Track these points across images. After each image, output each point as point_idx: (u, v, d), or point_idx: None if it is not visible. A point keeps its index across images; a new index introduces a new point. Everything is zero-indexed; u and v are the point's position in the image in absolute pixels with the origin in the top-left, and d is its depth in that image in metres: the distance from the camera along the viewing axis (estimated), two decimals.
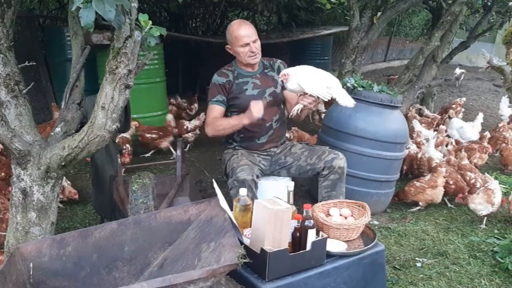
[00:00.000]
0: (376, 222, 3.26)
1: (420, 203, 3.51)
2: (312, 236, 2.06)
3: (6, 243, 2.18)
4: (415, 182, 3.50)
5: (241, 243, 2.02)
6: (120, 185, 2.67)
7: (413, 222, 3.31)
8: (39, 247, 2.04)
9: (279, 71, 2.86)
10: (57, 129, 2.35)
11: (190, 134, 4.49)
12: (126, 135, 4.00)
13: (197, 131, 4.58)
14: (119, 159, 2.77)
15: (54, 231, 2.25)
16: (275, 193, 2.87)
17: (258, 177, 2.69)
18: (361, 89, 3.31)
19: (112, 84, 2.06)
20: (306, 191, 3.67)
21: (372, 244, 2.22)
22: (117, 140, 3.85)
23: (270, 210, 1.96)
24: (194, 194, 2.83)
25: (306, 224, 2.06)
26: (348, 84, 3.31)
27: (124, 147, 3.76)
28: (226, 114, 2.82)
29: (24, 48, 4.78)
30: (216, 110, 2.78)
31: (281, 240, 2.01)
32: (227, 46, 2.83)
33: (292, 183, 2.27)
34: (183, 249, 2.01)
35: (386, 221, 3.33)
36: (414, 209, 3.52)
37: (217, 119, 2.75)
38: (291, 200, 2.23)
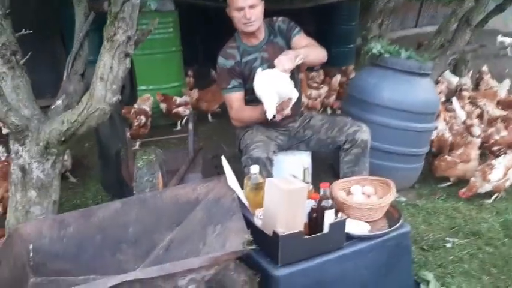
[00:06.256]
0: (403, 199, 3.05)
1: (451, 179, 3.28)
2: (329, 217, 1.88)
3: (7, 223, 2.09)
4: (446, 156, 3.25)
5: (252, 224, 1.87)
6: (130, 161, 2.54)
7: (444, 199, 3.08)
8: (39, 228, 1.93)
9: (281, 33, 2.60)
10: (58, 102, 2.22)
11: (181, 109, 4.23)
12: (146, 106, 3.85)
13: (190, 107, 4.30)
14: (128, 133, 2.63)
15: (57, 210, 2.14)
16: (293, 169, 2.68)
17: (274, 152, 2.50)
18: (388, 55, 3.05)
19: (110, 52, 1.90)
20: (329, 166, 3.46)
21: (397, 225, 2.03)
22: (132, 111, 3.72)
23: (282, 191, 1.78)
24: (207, 170, 2.67)
25: (323, 204, 1.88)
26: (374, 50, 3.05)
27: (137, 118, 3.61)
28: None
29: (38, 19, 4.65)
30: (235, 98, 2.54)
31: (295, 222, 1.83)
32: (227, 9, 2.54)
33: (309, 160, 2.08)
34: (190, 231, 1.86)
35: (414, 198, 3.11)
36: (444, 185, 3.29)
37: (241, 109, 2.53)
38: (307, 178, 2.05)
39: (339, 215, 1.93)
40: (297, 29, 2.58)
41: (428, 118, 3.09)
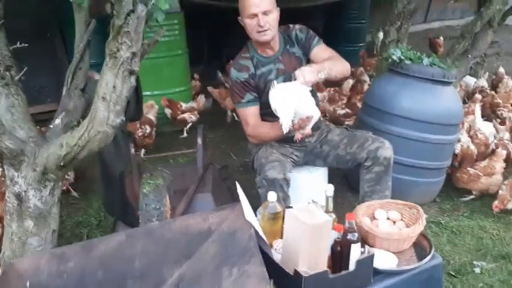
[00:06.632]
0: (424, 216, 2.86)
1: (473, 192, 3.09)
2: (356, 251, 1.70)
3: (2, 256, 1.92)
4: (468, 169, 3.06)
5: (270, 259, 1.70)
6: (135, 180, 2.36)
7: (468, 215, 2.90)
8: (37, 263, 1.76)
9: (298, 43, 2.41)
10: (57, 121, 2.03)
11: (187, 115, 4.01)
12: (150, 115, 3.67)
13: (196, 114, 4.08)
14: (132, 149, 2.45)
15: (56, 239, 1.97)
16: (309, 187, 2.53)
17: (290, 170, 2.32)
18: (408, 61, 2.86)
19: (113, 70, 1.71)
20: (343, 176, 3.28)
21: (429, 258, 1.85)
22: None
23: (305, 225, 1.60)
24: (217, 188, 2.50)
25: (348, 237, 1.70)
26: (394, 57, 2.86)
27: (141, 128, 3.42)
28: None
29: (37, 19, 4.46)
30: (251, 113, 2.36)
31: (319, 258, 1.66)
32: (239, 18, 2.35)
33: (332, 188, 1.88)
34: (202, 268, 1.69)
35: (436, 214, 2.93)
36: (467, 198, 3.10)
37: (258, 126, 2.36)
38: (330, 207, 1.86)
39: (366, 248, 1.75)
40: (316, 38, 2.39)
41: (451, 129, 2.90)
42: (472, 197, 3.10)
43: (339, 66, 2.29)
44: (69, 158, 1.82)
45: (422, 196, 2.99)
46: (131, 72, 1.74)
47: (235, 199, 1.84)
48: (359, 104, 4.05)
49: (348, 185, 3.19)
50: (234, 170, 3.45)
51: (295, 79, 2.16)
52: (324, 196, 1.92)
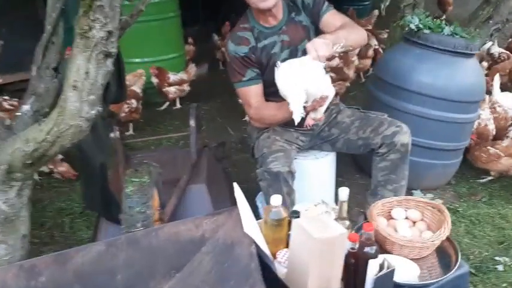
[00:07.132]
0: (439, 201, 2.62)
1: (492, 173, 2.85)
2: (374, 267, 1.46)
3: None
4: (489, 148, 2.80)
5: (274, 274, 1.46)
6: (121, 170, 2.09)
7: (487, 201, 2.66)
8: (3, 278, 1.52)
9: (305, 9, 2.07)
10: (26, 107, 1.75)
11: (172, 89, 3.65)
12: (136, 88, 3.33)
13: (185, 88, 3.70)
14: (117, 132, 2.17)
15: (27, 244, 1.72)
16: (316, 175, 2.28)
17: (295, 157, 2.06)
18: (427, 31, 2.54)
19: (85, 52, 1.42)
20: (350, 156, 3.01)
21: (455, 269, 1.62)
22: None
23: (314, 240, 1.35)
24: (213, 177, 2.23)
25: (365, 250, 1.46)
26: (411, 25, 2.53)
27: (127, 102, 3.10)
28: None
29: None
30: (254, 92, 2.05)
31: (331, 276, 1.43)
32: None
33: (346, 191, 1.61)
34: (194, 286, 1.45)
35: (452, 199, 2.69)
36: (484, 180, 2.86)
37: (262, 107, 2.05)
38: (345, 212, 1.60)
39: (385, 262, 1.51)
40: (326, 3, 2.05)
41: (473, 107, 2.63)
42: (489, 178, 2.87)
43: (355, 36, 1.94)
44: (38, 155, 1.55)
45: (438, 179, 2.76)
46: (107, 55, 1.44)
47: (233, 189, 1.58)
48: (346, 70, 3.80)
49: (356, 165, 2.94)
50: (231, 147, 3.17)
51: (304, 53, 1.85)
52: (331, 185, 1.68)
